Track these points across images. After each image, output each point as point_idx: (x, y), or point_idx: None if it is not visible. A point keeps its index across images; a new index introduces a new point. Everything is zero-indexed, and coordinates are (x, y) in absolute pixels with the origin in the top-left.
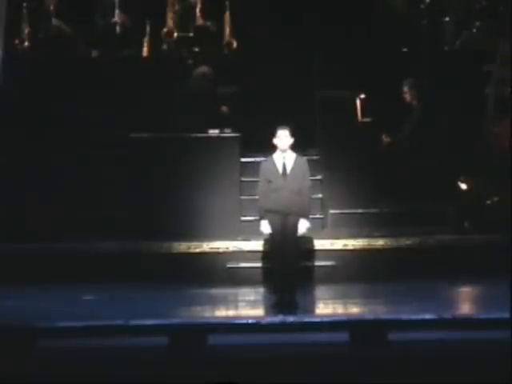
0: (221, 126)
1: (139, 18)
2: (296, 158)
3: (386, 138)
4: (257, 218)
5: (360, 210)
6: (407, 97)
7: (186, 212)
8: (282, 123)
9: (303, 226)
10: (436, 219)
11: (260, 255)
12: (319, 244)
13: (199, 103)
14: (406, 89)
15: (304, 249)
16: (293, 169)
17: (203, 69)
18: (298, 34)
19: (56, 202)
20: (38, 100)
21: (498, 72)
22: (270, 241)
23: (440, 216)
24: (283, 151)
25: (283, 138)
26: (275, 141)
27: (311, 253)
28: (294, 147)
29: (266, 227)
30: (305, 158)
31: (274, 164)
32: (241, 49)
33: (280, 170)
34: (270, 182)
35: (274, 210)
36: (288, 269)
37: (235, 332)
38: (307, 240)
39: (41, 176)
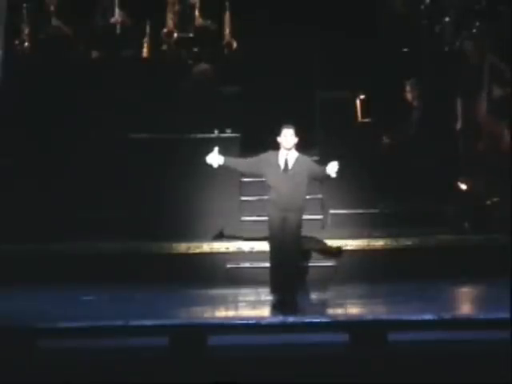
0: (221, 126)
1: (139, 18)
2: (298, 157)
3: (386, 139)
4: (257, 218)
5: (360, 210)
6: (409, 96)
7: (186, 212)
8: (286, 122)
9: (333, 167)
10: (436, 219)
11: (260, 255)
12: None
13: (199, 103)
14: (408, 88)
15: (304, 249)
16: (294, 166)
17: (203, 66)
18: (298, 34)
19: (56, 202)
20: (37, 100)
21: (498, 73)
22: (269, 238)
23: (440, 216)
24: (287, 150)
25: (288, 136)
26: (280, 139)
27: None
28: (295, 147)
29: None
30: (306, 157)
31: (276, 159)
32: (241, 49)
33: (282, 165)
34: (269, 177)
35: (273, 205)
36: (288, 268)
37: (235, 332)
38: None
39: (41, 176)
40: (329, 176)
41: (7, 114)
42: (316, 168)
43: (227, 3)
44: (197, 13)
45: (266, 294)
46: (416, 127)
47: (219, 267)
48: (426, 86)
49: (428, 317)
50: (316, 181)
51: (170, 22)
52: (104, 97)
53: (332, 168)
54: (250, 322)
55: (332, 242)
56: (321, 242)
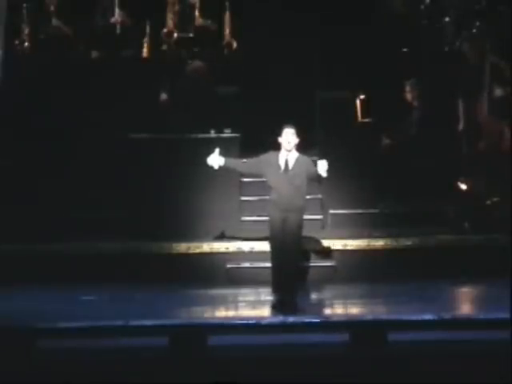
0: (220, 126)
1: (139, 18)
2: (298, 157)
3: (386, 139)
4: (257, 218)
5: (360, 210)
6: (409, 96)
7: (186, 212)
8: (287, 122)
9: (322, 165)
10: (436, 219)
11: (260, 255)
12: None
13: (195, 101)
14: (408, 89)
15: (304, 249)
16: (294, 166)
17: (197, 64)
18: (298, 34)
19: (56, 202)
20: (37, 100)
21: (498, 73)
22: (270, 238)
23: (440, 216)
24: (288, 150)
25: (289, 136)
26: (281, 139)
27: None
28: (295, 147)
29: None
30: (306, 157)
31: (276, 159)
32: (241, 49)
33: (282, 166)
34: (270, 177)
35: (274, 206)
36: (288, 269)
37: (235, 332)
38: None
39: (40, 176)
40: (321, 175)
41: (7, 114)
42: (312, 168)
43: (227, 3)
44: (197, 13)
45: (266, 294)
46: (416, 127)
47: (219, 267)
48: (425, 86)
49: (428, 317)
50: (314, 181)
51: (170, 22)
52: (104, 97)
53: (322, 167)
54: (250, 321)
55: (332, 242)
56: (319, 242)
